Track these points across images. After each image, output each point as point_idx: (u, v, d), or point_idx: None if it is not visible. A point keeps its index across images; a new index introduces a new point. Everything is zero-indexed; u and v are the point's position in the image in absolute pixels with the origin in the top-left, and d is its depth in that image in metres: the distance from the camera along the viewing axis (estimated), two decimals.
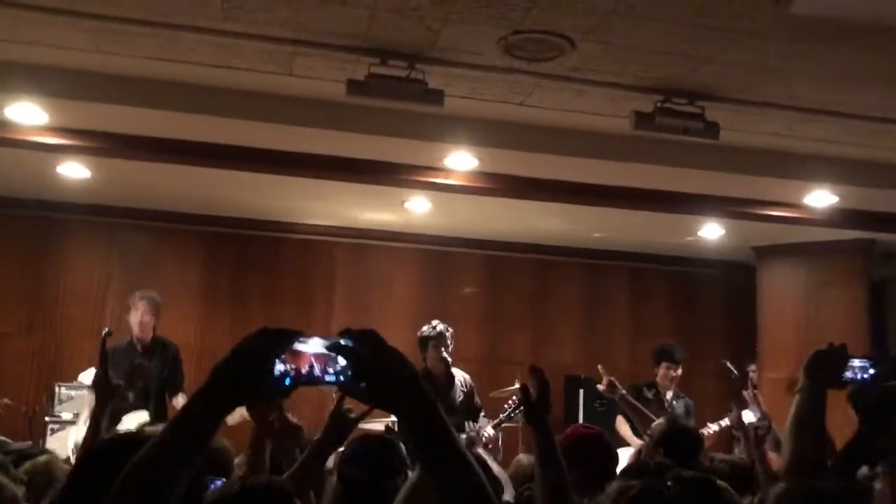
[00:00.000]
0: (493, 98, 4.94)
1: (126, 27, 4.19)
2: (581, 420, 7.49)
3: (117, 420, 5.30)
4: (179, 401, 5.74)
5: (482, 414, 5.78)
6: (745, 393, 4.26)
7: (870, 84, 4.63)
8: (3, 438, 4.29)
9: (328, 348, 1.17)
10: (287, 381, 1.16)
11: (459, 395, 5.60)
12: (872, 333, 7.55)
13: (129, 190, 7.00)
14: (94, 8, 4.03)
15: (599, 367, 5.19)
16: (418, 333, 5.61)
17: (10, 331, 7.37)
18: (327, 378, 1.17)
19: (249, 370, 1.15)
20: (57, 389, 6.68)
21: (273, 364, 1.15)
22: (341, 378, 1.17)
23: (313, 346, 1.17)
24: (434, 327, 5.53)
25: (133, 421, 5.35)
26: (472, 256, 8.29)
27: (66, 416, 6.45)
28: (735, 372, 5.73)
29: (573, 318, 8.46)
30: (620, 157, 5.55)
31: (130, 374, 5.59)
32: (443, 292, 8.20)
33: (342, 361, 1.16)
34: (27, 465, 2.78)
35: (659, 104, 4.70)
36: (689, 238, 7.67)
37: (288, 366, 1.15)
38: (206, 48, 4.45)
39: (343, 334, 1.18)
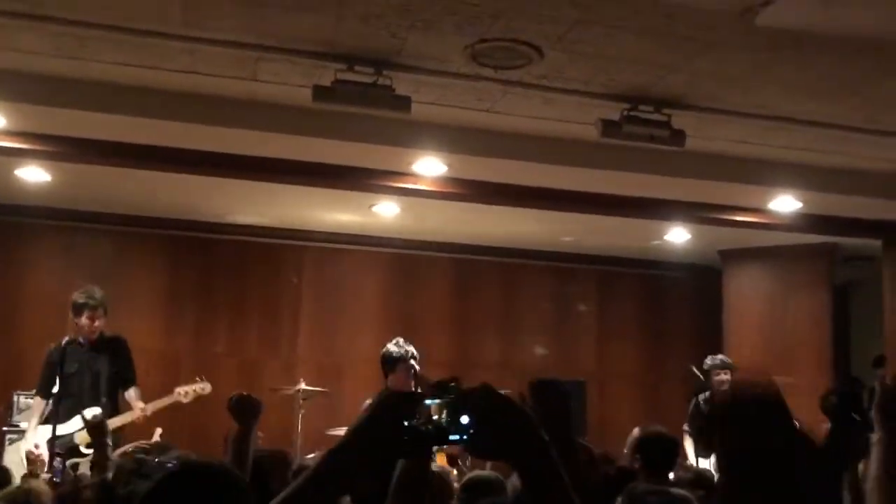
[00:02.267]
0: (460, 105, 4.93)
1: (89, 32, 4.11)
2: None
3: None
4: (132, 394, 5.59)
5: None
6: None
7: (832, 93, 4.70)
8: None
9: (449, 409, 1.20)
10: (416, 441, 1.20)
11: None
12: (835, 335, 7.67)
13: (90, 194, 6.88)
14: (58, 12, 3.96)
15: None
16: (383, 351, 5.33)
17: None
18: (451, 438, 1.20)
19: (389, 432, 1.18)
20: (15, 398, 6.53)
21: (406, 425, 1.19)
22: (464, 437, 1.20)
23: (436, 402, 1.22)
24: (400, 347, 5.24)
25: (88, 415, 5.22)
26: (441, 260, 8.27)
27: (24, 425, 6.30)
28: (700, 376, 5.79)
29: (542, 321, 8.47)
30: (588, 163, 5.57)
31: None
32: (411, 296, 8.17)
33: (464, 420, 1.19)
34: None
35: (626, 112, 4.72)
36: (656, 242, 7.72)
37: (417, 420, 1.20)
38: (168, 53, 4.38)
39: (460, 398, 1.21)
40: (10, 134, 5.22)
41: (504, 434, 1.19)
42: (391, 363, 5.13)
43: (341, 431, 5.93)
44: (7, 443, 6.24)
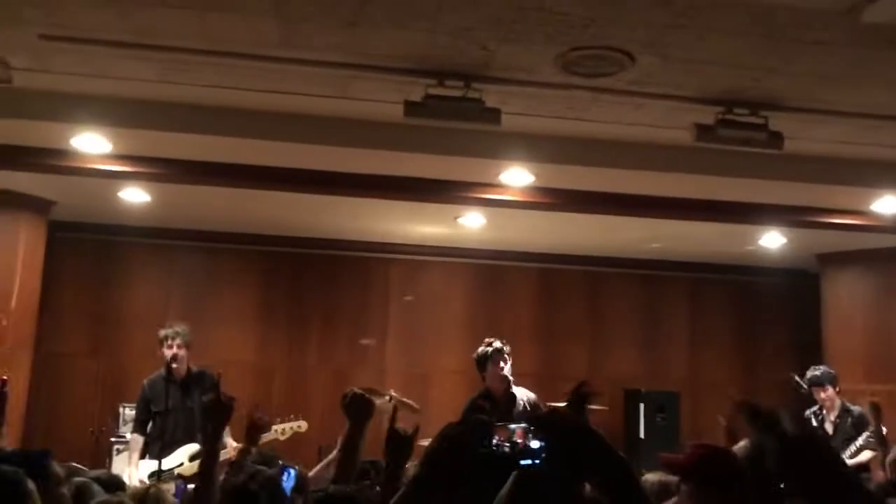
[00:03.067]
0: (549, 114, 4.91)
1: (188, 57, 4.26)
2: (642, 434, 7.38)
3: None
4: (227, 440, 5.60)
5: None
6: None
7: None
8: (77, 465, 4.36)
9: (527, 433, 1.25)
10: (489, 468, 1.24)
11: (521, 416, 5.52)
12: None
13: (187, 213, 7.13)
14: (161, 40, 4.11)
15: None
16: (474, 354, 5.51)
17: (77, 352, 7.54)
18: (522, 463, 1.23)
19: (465, 458, 1.24)
20: (121, 410, 6.80)
21: (477, 454, 1.25)
22: (536, 462, 1.22)
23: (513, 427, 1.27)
24: (490, 344, 5.44)
25: (184, 453, 5.38)
26: (526, 270, 8.24)
27: (129, 436, 6.54)
28: (804, 386, 5.58)
29: (630, 330, 8.34)
30: (679, 168, 5.46)
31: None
32: (497, 306, 8.16)
33: (535, 446, 1.23)
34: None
35: (720, 116, 4.61)
36: (750, 247, 7.50)
37: (497, 439, 1.25)
38: (263, 74, 4.50)
39: (533, 422, 1.27)
40: (114, 157, 5.45)
41: (576, 456, 1.20)
42: (481, 363, 5.35)
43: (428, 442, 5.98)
44: (115, 453, 6.49)
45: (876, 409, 4.44)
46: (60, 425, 7.12)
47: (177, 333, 5.60)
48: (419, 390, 7.45)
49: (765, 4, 3.62)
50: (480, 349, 5.50)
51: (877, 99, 4.65)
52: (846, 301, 7.58)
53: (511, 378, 5.44)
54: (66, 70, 4.54)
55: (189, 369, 5.63)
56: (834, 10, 3.58)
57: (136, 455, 5.55)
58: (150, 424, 5.54)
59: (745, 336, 8.24)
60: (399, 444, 2.64)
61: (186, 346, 5.61)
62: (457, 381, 7.56)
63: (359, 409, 2.72)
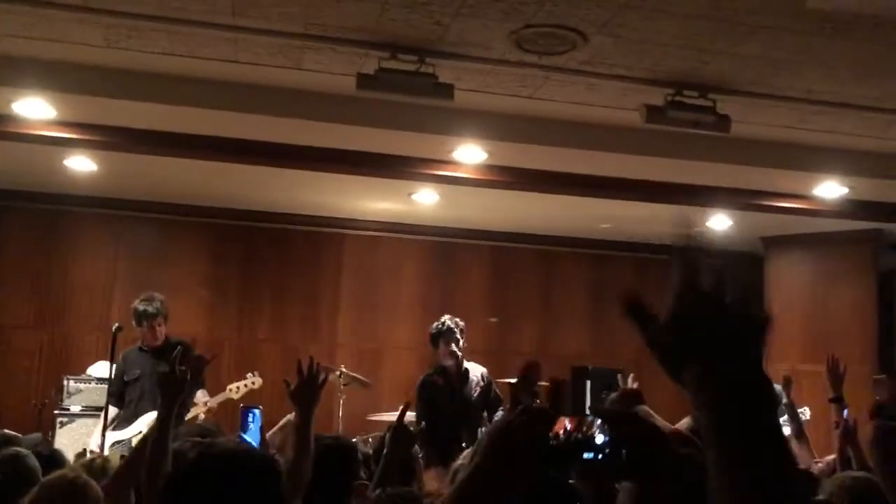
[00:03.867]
0: (502, 91, 4.93)
1: (138, 23, 4.17)
2: (588, 411, 7.50)
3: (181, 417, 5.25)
4: (199, 396, 5.50)
5: (502, 407, 5.75)
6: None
7: (882, 76, 4.62)
8: (11, 433, 4.30)
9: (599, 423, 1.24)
10: (552, 460, 1.21)
11: (475, 391, 5.57)
12: (880, 324, 7.55)
13: (135, 183, 7.00)
14: (109, 4, 4.02)
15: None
16: (429, 330, 5.57)
17: (20, 323, 7.38)
18: (585, 457, 1.20)
19: (531, 451, 1.17)
20: (65, 382, 6.67)
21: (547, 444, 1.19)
22: (599, 456, 1.20)
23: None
24: (443, 323, 5.49)
25: (145, 422, 5.29)
26: (479, 248, 8.29)
27: (75, 408, 6.45)
28: None
29: (580, 308, 8.45)
30: (629, 149, 5.54)
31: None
32: (449, 283, 8.20)
33: (600, 440, 1.19)
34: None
35: (670, 97, 4.68)
36: (697, 229, 7.63)
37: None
38: (214, 43, 4.44)
39: (602, 415, 1.24)
40: (59, 124, 5.33)
41: (640, 456, 1.17)
42: (434, 340, 5.42)
43: (381, 417, 6.00)
44: (58, 426, 6.39)
45: (787, 382, 4.55)
46: (2, 397, 6.99)
47: (157, 311, 5.47)
48: (371, 366, 7.48)
49: None
50: (434, 326, 5.55)
51: (821, 85, 4.76)
52: (787, 283, 7.78)
53: (460, 354, 5.50)
54: (8, 32, 4.41)
55: (167, 338, 5.51)
56: None
57: (101, 425, 5.35)
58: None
59: None
60: (404, 436, 2.74)
61: (165, 319, 5.54)
62: (409, 357, 7.61)
63: (307, 395, 2.76)
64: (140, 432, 5.13)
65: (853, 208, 6.49)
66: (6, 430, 4.28)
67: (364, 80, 4.35)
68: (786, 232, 7.61)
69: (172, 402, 2.67)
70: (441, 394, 5.43)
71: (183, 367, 2.69)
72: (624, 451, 1.17)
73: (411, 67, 4.39)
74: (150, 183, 6.98)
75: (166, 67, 4.78)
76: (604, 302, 8.53)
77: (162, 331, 5.51)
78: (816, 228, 7.36)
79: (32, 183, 7.06)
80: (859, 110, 5.06)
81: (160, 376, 2.76)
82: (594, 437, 1.18)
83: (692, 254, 0.88)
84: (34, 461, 2.91)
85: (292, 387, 2.78)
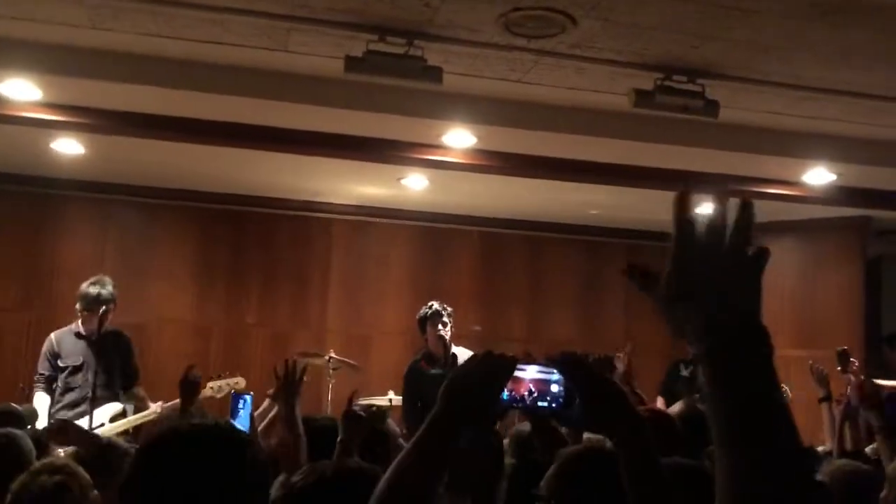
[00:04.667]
0: (491, 75, 4.90)
1: (123, 3, 4.13)
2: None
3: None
4: (141, 392, 5.41)
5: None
6: None
7: (870, 62, 4.61)
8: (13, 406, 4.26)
9: (550, 371, 1.23)
10: (506, 404, 1.23)
11: None
12: (867, 310, 7.59)
13: (123, 166, 6.95)
14: None
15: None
16: (417, 315, 5.59)
17: (6, 306, 7.35)
18: (540, 405, 1.22)
19: (484, 396, 1.19)
20: None
21: (502, 390, 1.21)
22: (553, 405, 1.22)
23: (530, 372, 1.23)
24: (430, 307, 5.51)
25: (105, 414, 5.16)
26: (468, 233, 8.28)
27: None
28: None
29: (569, 294, 8.47)
30: (619, 134, 5.53)
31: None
32: (438, 269, 8.20)
33: (554, 389, 1.22)
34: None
35: (659, 82, 4.67)
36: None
37: (508, 391, 1.22)
38: (201, 24, 4.40)
39: (556, 362, 1.23)
40: (45, 106, 5.28)
41: (595, 408, 1.20)
42: (422, 324, 5.44)
43: (371, 400, 5.99)
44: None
45: None
46: None
47: (112, 297, 5.28)
48: (360, 351, 7.47)
49: None
50: (421, 310, 5.59)
51: (810, 71, 4.76)
52: (775, 269, 7.69)
53: (447, 338, 5.51)
54: None
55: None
56: None
57: (46, 417, 5.15)
58: (56, 382, 5.29)
59: None
60: (354, 420, 2.79)
61: (115, 306, 5.34)
62: (397, 342, 7.61)
63: (288, 393, 2.83)
64: (102, 424, 5.00)
65: (841, 195, 6.50)
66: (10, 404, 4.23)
67: (352, 63, 4.32)
68: (774, 218, 7.62)
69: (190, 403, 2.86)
70: (427, 378, 5.45)
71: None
72: (580, 403, 1.20)
73: (400, 50, 4.37)
74: (138, 166, 6.94)
75: (152, 49, 4.74)
76: (593, 288, 8.55)
77: (109, 319, 5.28)
78: (804, 215, 7.38)
79: (19, 165, 7.01)
80: (849, 96, 5.06)
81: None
82: (550, 388, 1.21)
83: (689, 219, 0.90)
84: (28, 443, 2.89)
85: (271, 391, 2.87)
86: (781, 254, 7.82)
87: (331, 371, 6.51)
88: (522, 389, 1.22)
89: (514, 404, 1.23)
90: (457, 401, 1.18)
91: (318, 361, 6.49)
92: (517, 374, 1.21)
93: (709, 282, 0.86)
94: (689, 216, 0.89)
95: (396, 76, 4.41)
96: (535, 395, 1.21)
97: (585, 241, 8.47)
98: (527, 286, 8.42)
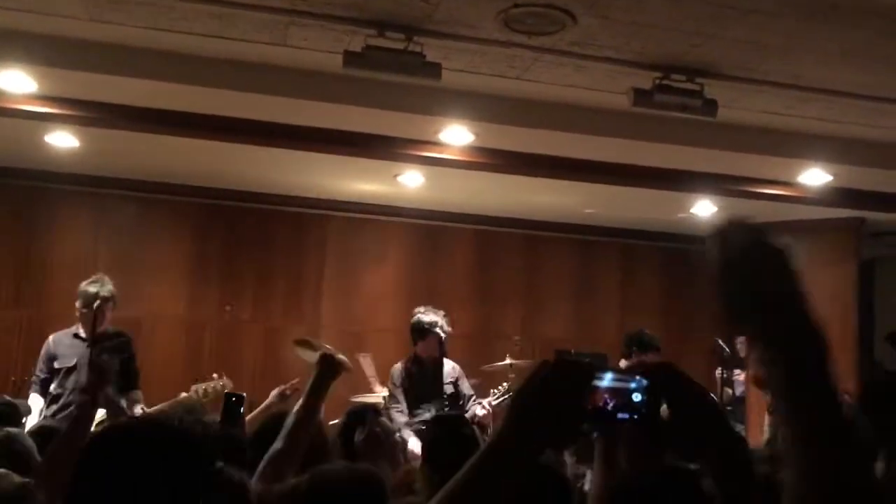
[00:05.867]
0: (490, 72, 4.90)
1: None
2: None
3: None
4: (138, 396, 5.19)
5: (473, 398, 5.75)
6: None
7: (868, 63, 4.63)
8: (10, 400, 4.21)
9: (629, 378, 1.09)
10: (588, 419, 1.07)
11: (448, 381, 5.60)
12: (860, 311, 7.61)
13: (117, 160, 6.91)
14: None
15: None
16: (412, 319, 5.52)
17: None
18: (620, 416, 1.07)
19: (564, 411, 1.01)
20: None
21: (584, 402, 1.04)
22: (636, 417, 1.07)
23: (606, 380, 1.07)
24: (434, 322, 5.42)
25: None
26: (464, 231, 8.27)
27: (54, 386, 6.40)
28: (727, 350, 5.76)
29: (564, 293, 8.47)
30: (617, 133, 5.53)
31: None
32: (434, 266, 8.19)
33: (636, 398, 1.07)
34: None
35: (658, 81, 4.68)
36: (682, 215, 7.67)
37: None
38: (199, 18, 4.37)
39: (640, 371, 1.09)
40: (40, 98, 5.24)
41: (686, 419, 1.05)
42: (419, 331, 5.37)
43: (363, 398, 5.97)
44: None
45: None
46: None
47: (111, 294, 5.14)
48: (354, 348, 7.42)
49: None
50: (423, 319, 5.51)
51: (809, 71, 4.77)
52: None
53: (444, 351, 5.51)
54: None
55: (106, 328, 5.17)
56: None
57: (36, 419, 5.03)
58: (52, 385, 5.17)
59: (675, 302, 8.44)
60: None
61: (115, 304, 5.20)
62: (391, 341, 7.58)
63: (329, 366, 2.74)
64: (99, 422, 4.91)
65: (837, 196, 6.52)
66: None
67: (351, 58, 4.31)
68: (769, 219, 7.62)
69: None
70: (412, 381, 5.45)
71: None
72: (663, 408, 1.06)
73: (399, 46, 4.36)
74: (133, 161, 6.89)
75: (149, 42, 4.71)
76: (588, 286, 8.56)
77: (109, 317, 5.16)
78: (799, 216, 7.39)
79: (12, 159, 6.95)
80: (846, 97, 5.08)
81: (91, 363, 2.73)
82: (632, 398, 1.05)
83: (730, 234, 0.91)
84: (29, 441, 2.85)
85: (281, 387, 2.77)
86: None
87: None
88: (598, 401, 1.06)
89: (594, 416, 1.05)
90: (528, 418, 0.99)
91: (310, 357, 6.47)
92: (595, 384, 1.06)
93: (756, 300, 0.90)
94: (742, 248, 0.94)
95: (395, 72, 4.40)
96: (613, 405, 1.06)
97: (582, 240, 8.48)
98: (522, 284, 8.42)
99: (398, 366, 5.60)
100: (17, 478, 2.23)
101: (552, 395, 1.01)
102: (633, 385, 1.08)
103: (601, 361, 7.77)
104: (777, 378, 0.86)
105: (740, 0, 3.94)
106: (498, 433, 1.00)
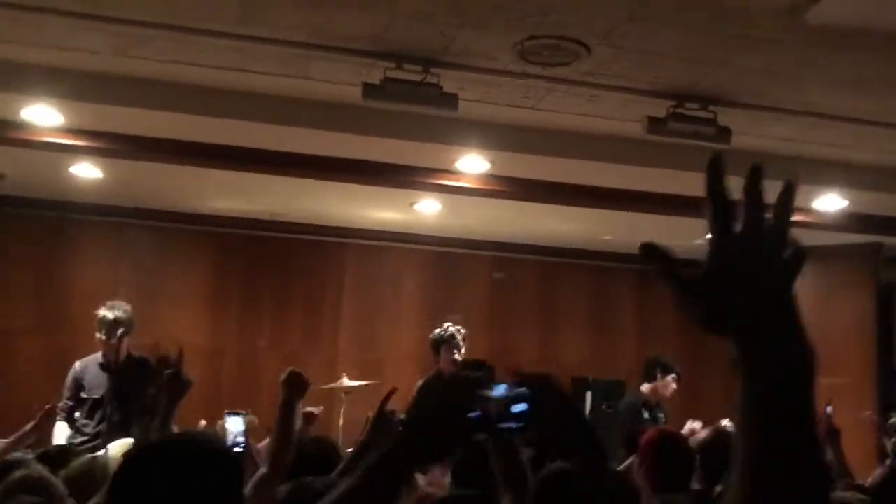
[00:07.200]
0: (506, 102, 4.98)
1: (146, 31, 4.23)
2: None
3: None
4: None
5: None
6: None
7: (880, 90, 4.67)
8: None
9: (511, 395, 1.16)
10: (473, 427, 1.14)
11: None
12: (879, 337, 7.57)
13: (139, 190, 7.04)
14: (118, 12, 4.07)
15: None
16: (430, 336, 5.62)
17: (21, 329, 7.40)
18: (504, 425, 1.15)
19: (450, 420, 1.12)
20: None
21: (468, 412, 1.12)
22: (518, 425, 1.15)
23: (499, 392, 1.16)
24: (446, 329, 5.53)
25: (118, 449, 5.06)
26: (480, 258, 8.32)
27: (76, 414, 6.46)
28: None
29: (580, 319, 8.48)
30: (631, 160, 5.58)
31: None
32: (451, 293, 8.23)
33: (519, 408, 1.15)
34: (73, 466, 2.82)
35: (672, 109, 4.74)
36: (698, 241, 7.66)
37: (476, 413, 1.14)
38: (222, 52, 4.49)
39: (520, 381, 1.17)
40: (66, 131, 5.38)
41: (558, 430, 1.16)
42: (436, 346, 5.44)
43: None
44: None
45: None
46: (4, 401, 6.99)
47: (129, 318, 5.13)
48: (373, 375, 7.47)
49: (716, 0, 3.74)
50: (437, 331, 5.60)
51: (821, 98, 4.82)
52: None
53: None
54: (17, 39, 4.46)
55: (129, 354, 5.11)
56: (778, 8, 3.71)
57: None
58: (76, 413, 5.16)
59: (692, 328, 8.40)
60: (386, 423, 2.77)
61: (131, 330, 5.16)
62: (410, 367, 7.61)
63: (296, 384, 2.81)
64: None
65: (853, 221, 6.53)
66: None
67: (370, 90, 4.40)
68: None
69: (175, 402, 2.79)
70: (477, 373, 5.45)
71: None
72: (544, 423, 1.14)
73: (417, 77, 4.45)
74: (154, 191, 7.02)
75: (173, 75, 4.83)
76: (605, 313, 8.57)
77: (126, 343, 5.06)
78: (816, 241, 7.38)
79: (37, 189, 7.10)
80: (859, 123, 5.11)
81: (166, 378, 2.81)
82: (511, 405, 1.14)
83: (725, 196, 0.83)
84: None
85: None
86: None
87: (343, 396, 6.53)
88: (487, 411, 1.14)
89: (479, 426, 1.13)
90: (417, 429, 1.11)
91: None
92: (485, 394, 1.14)
93: (753, 285, 0.81)
94: (723, 190, 0.83)
95: (413, 103, 4.49)
96: (498, 415, 1.14)
97: (598, 267, 8.50)
98: (538, 311, 8.44)
99: (419, 383, 5.63)
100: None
101: (438, 409, 1.11)
102: (516, 397, 1.15)
103: (618, 387, 7.78)
104: (753, 387, 0.79)
105: (752, 29, 3.99)
106: (392, 442, 1.11)
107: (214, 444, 1.43)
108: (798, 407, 0.79)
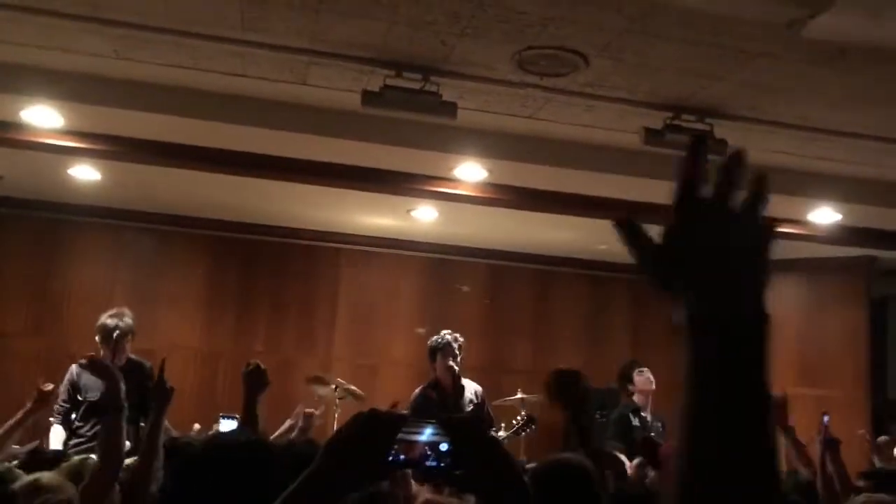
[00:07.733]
0: (504, 111, 5.02)
1: (146, 34, 4.26)
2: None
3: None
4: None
5: (493, 428, 5.78)
6: None
7: (874, 104, 4.72)
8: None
9: (435, 440, 1.18)
10: (392, 462, 1.17)
11: (468, 407, 5.61)
12: (872, 350, 7.62)
13: (137, 193, 7.06)
14: (120, 15, 4.10)
15: None
16: (428, 343, 5.62)
17: (18, 331, 7.40)
18: (428, 463, 1.17)
19: (369, 456, 1.13)
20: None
21: (386, 450, 1.15)
22: (441, 464, 1.16)
23: (426, 434, 1.17)
24: (442, 337, 5.52)
25: None
26: (476, 265, 8.35)
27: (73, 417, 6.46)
28: None
29: (575, 328, 8.51)
30: (628, 170, 5.62)
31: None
32: (446, 300, 8.25)
33: (444, 447, 1.16)
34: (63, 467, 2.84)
35: (668, 121, 4.78)
36: None
37: (398, 454, 1.16)
38: (222, 56, 4.52)
39: (444, 424, 1.19)
40: (66, 133, 5.39)
41: (482, 469, 1.15)
42: (432, 353, 5.44)
43: None
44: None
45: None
46: None
47: (130, 328, 5.11)
48: (366, 381, 7.49)
49: (714, 15, 3.78)
50: (433, 339, 5.59)
51: (816, 112, 4.87)
52: (780, 308, 7.78)
53: (457, 369, 5.54)
54: (19, 41, 4.49)
55: (129, 359, 5.12)
56: (775, 23, 3.76)
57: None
58: (73, 415, 5.12)
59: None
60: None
61: (133, 337, 5.16)
62: (404, 373, 7.63)
63: (256, 379, 2.91)
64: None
65: (846, 234, 6.57)
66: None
67: (369, 97, 4.44)
68: (778, 257, 7.67)
69: (163, 408, 2.90)
70: (433, 408, 5.46)
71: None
72: (468, 463, 1.15)
73: (416, 85, 4.48)
74: (152, 194, 7.04)
75: (174, 79, 4.86)
76: (599, 322, 8.60)
77: (128, 349, 5.11)
78: (809, 254, 7.44)
79: (35, 191, 7.12)
80: (853, 138, 5.16)
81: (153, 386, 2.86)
82: (439, 446, 1.16)
83: (698, 155, 0.78)
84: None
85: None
86: (785, 293, 7.87)
87: (337, 401, 6.54)
88: (416, 452, 1.15)
89: (401, 464, 1.16)
90: (337, 460, 1.12)
91: (324, 391, 6.53)
92: (410, 437, 1.15)
93: (709, 260, 0.77)
94: (696, 176, 0.78)
95: (412, 110, 4.52)
96: (423, 455, 1.15)
97: (593, 276, 8.53)
98: (533, 319, 8.47)
99: (416, 392, 5.64)
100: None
101: (357, 445, 1.14)
102: (441, 436, 1.17)
103: (612, 396, 7.81)
104: (706, 343, 0.75)
105: (749, 43, 4.04)
106: (310, 469, 1.13)
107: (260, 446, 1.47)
108: (752, 364, 0.76)
